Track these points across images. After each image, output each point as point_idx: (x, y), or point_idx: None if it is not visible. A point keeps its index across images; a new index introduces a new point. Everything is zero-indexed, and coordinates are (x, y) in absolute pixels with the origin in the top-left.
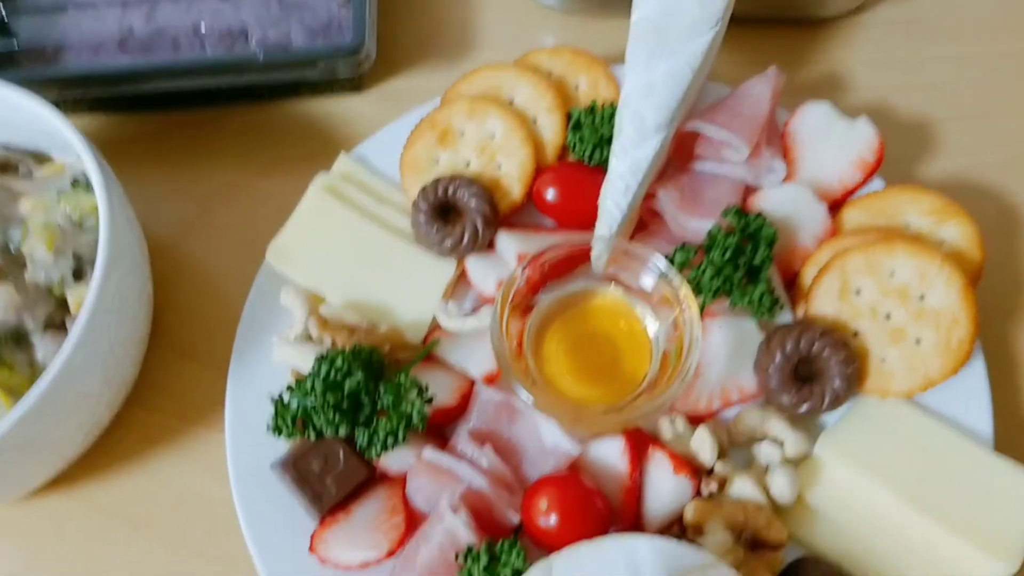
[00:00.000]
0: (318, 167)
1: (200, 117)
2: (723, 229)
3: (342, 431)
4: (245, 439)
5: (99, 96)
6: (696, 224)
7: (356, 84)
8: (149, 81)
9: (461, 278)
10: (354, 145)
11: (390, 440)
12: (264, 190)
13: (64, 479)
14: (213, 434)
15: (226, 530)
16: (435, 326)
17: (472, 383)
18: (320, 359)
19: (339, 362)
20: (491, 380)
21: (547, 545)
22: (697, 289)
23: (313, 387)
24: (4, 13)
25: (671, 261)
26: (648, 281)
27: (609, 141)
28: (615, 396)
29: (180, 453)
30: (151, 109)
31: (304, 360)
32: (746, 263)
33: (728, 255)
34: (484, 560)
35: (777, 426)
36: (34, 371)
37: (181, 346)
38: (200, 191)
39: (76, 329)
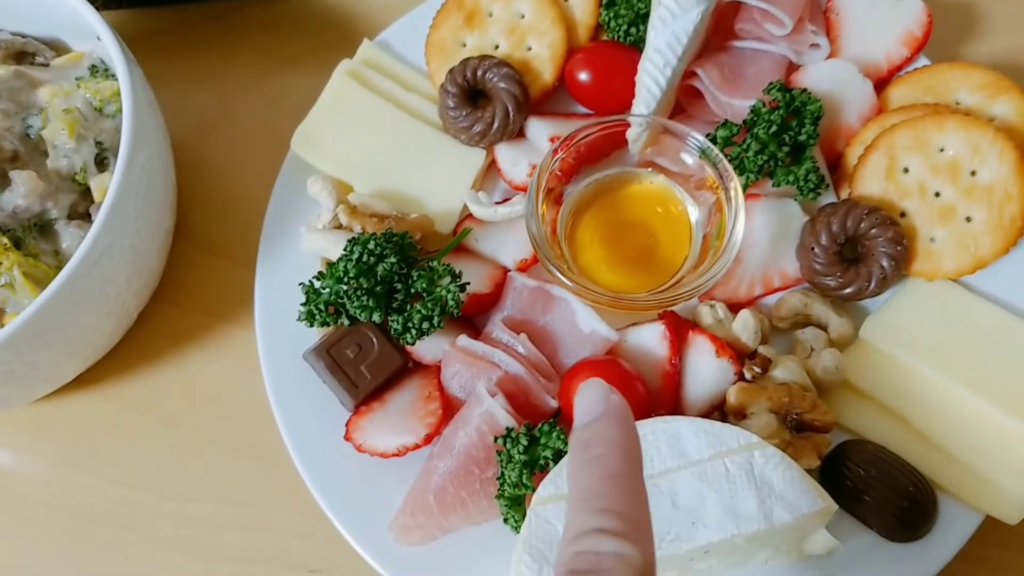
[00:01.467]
0: (340, 57)
1: (217, 10)
2: (767, 105)
3: (376, 317)
4: (275, 330)
5: None
6: (738, 103)
7: None
8: None
9: (491, 167)
10: (377, 33)
11: (425, 325)
12: (285, 83)
13: (92, 377)
14: (242, 330)
15: (259, 424)
16: (465, 215)
17: (505, 271)
18: (352, 242)
19: (372, 245)
20: (524, 268)
21: None
22: (740, 168)
23: (346, 271)
24: None
25: (712, 138)
26: (689, 160)
27: (645, 17)
28: (653, 283)
29: (209, 349)
30: (168, 3)
31: (334, 248)
32: (791, 140)
33: (773, 131)
34: (524, 442)
35: (821, 310)
36: (59, 260)
37: (207, 242)
38: (220, 86)
39: (103, 212)
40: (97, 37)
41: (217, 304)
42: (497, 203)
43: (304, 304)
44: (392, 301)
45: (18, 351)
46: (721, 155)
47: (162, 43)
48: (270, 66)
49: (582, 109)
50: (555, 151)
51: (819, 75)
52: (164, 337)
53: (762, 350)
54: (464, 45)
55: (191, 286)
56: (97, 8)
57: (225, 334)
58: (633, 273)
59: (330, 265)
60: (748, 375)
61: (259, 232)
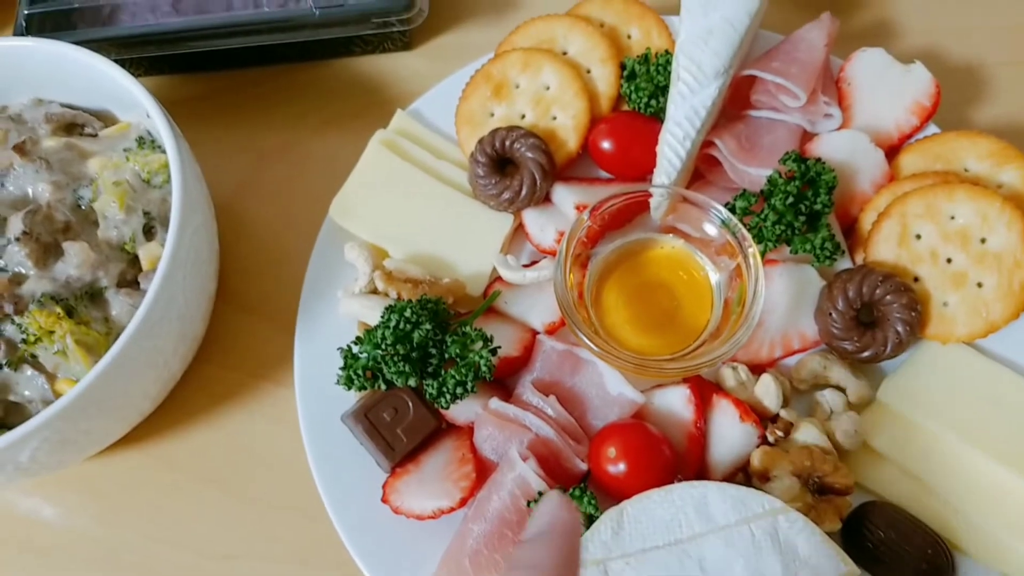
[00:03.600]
0: (372, 124)
1: (253, 76)
2: (783, 175)
3: (411, 381)
4: (314, 391)
5: (155, 56)
6: (754, 172)
7: (406, 41)
8: (206, 40)
9: (518, 231)
10: (406, 101)
11: (459, 390)
12: (319, 147)
13: (137, 435)
14: (281, 388)
15: (298, 482)
16: (494, 278)
17: (534, 334)
18: (390, 310)
19: (408, 313)
20: (552, 331)
21: (615, 492)
22: (759, 236)
23: (383, 338)
24: None
25: (731, 208)
26: (709, 229)
27: (664, 90)
28: (676, 345)
29: (249, 408)
30: (205, 69)
31: (371, 312)
32: (807, 209)
33: (790, 201)
34: None
35: (839, 373)
36: (109, 327)
37: (246, 302)
38: (256, 150)
39: (154, 286)
40: (147, 114)
41: (256, 363)
42: (525, 266)
43: (343, 368)
44: (427, 366)
45: (73, 420)
46: (740, 225)
47: (200, 108)
48: (303, 131)
49: (604, 174)
50: (583, 221)
51: (833, 144)
52: (206, 396)
53: (784, 414)
54: (492, 115)
55: (231, 346)
56: (140, 74)
57: (265, 393)
58: (657, 335)
59: (368, 331)
60: (771, 438)
61: (297, 293)
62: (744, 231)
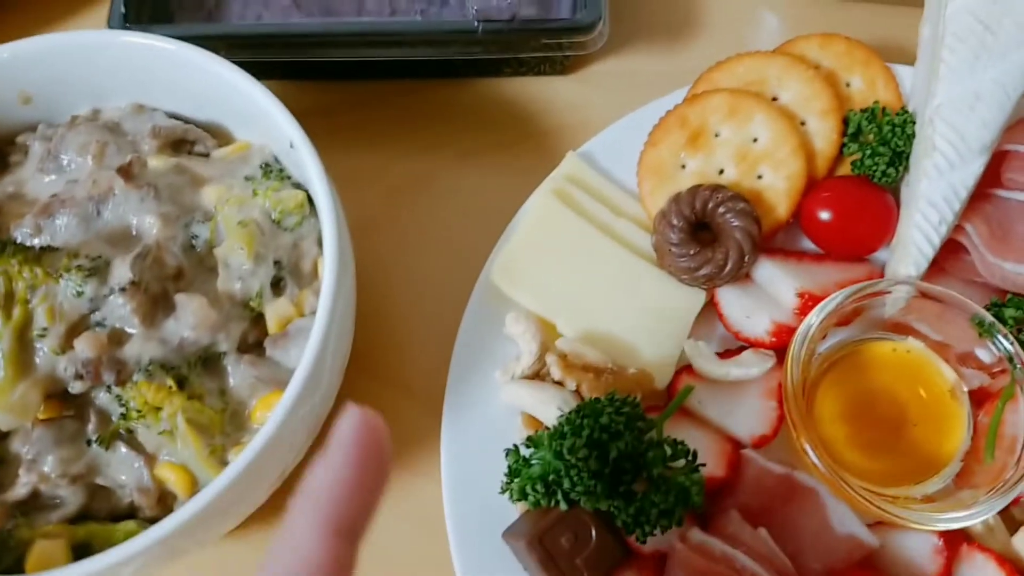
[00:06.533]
0: (524, 160)
1: (379, 91)
2: None
3: (602, 504)
4: (465, 495)
5: (269, 61)
6: (1010, 268)
7: (562, 65)
8: (339, 48)
9: (706, 311)
10: (564, 135)
11: (664, 522)
12: (459, 183)
13: (244, 523)
14: (416, 479)
15: None
16: (681, 370)
17: (736, 446)
18: (580, 414)
19: (605, 420)
20: (759, 444)
21: None
22: None
23: (573, 448)
24: None
25: (996, 314)
26: (961, 336)
27: (901, 156)
28: (908, 478)
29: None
30: (322, 78)
31: (540, 404)
32: None
33: None
34: None
35: None
36: (225, 402)
37: (379, 372)
38: (385, 182)
39: (305, 362)
40: (290, 144)
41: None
42: (719, 355)
43: (509, 474)
44: (618, 484)
45: (191, 532)
46: (1016, 342)
47: (321, 126)
48: (441, 161)
49: (811, 246)
50: (819, 317)
51: None
52: None
53: None
54: (684, 167)
55: None
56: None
57: (400, 484)
58: (884, 461)
59: (548, 435)
60: None
61: (435, 364)
62: (1020, 350)
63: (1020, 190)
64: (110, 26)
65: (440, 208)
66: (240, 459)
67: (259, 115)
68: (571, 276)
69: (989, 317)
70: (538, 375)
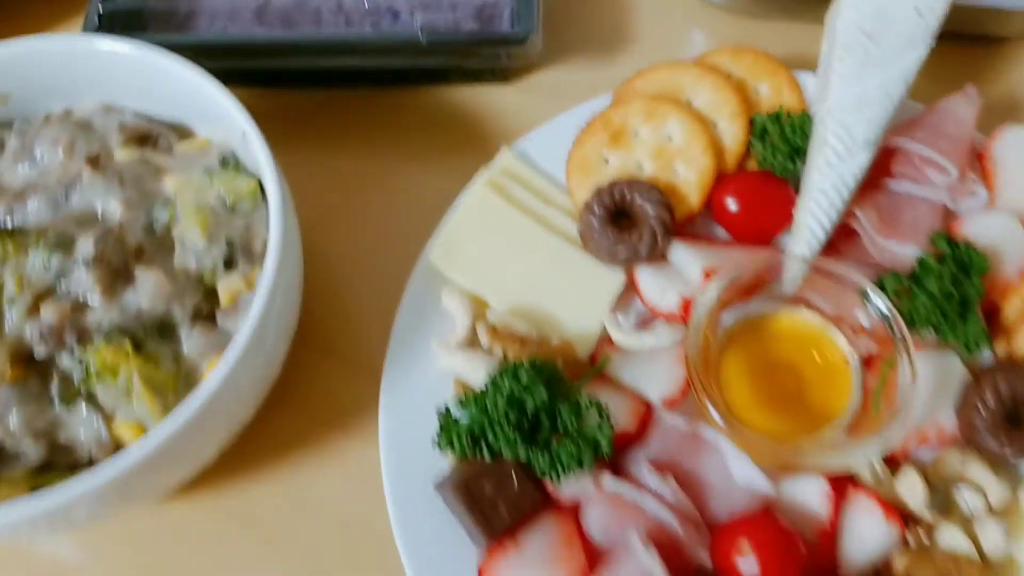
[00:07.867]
0: (467, 159)
1: (336, 97)
2: (934, 257)
3: (520, 453)
4: (402, 453)
5: (234, 68)
6: (895, 247)
7: (505, 74)
8: (298, 56)
9: (626, 289)
10: (507, 138)
11: (574, 466)
12: (409, 180)
13: (192, 484)
14: (354, 442)
15: (374, 549)
16: (603, 340)
17: (648, 407)
18: (502, 373)
19: (523, 377)
20: (671, 405)
21: None
22: (910, 321)
23: (495, 404)
24: None
25: (880, 287)
26: (852, 307)
27: (801, 152)
28: (804, 432)
29: (322, 462)
30: (282, 85)
31: (471, 370)
32: (960, 295)
33: (946, 288)
34: None
35: (978, 472)
36: (179, 366)
37: (323, 344)
38: (340, 178)
39: (248, 326)
40: (242, 134)
41: (331, 412)
42: (635, 326)
43: (441, 431)
44: (536, 435)
45: (141, 474)
46: (896, 311)
47: (280, 128)
48: (392, 162)
49: (722, 234)
50: (716, 291)
51: (981, 226)
52: (272, 446)
53: (927, 515)
54: (607, 162)
55: (307, 391)
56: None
57: (340, 447)
58: (783, 418)
59: (475, 396)
60: (912, 542)
61: (379, 337)
62: (900, 319)
63: (907, 180)
64: (86, 30)
65: (388, 203)
66: (186, 405)
67: (218, 113)
68: (504, 258)
69: (870, 284)
70: (472, 346)
